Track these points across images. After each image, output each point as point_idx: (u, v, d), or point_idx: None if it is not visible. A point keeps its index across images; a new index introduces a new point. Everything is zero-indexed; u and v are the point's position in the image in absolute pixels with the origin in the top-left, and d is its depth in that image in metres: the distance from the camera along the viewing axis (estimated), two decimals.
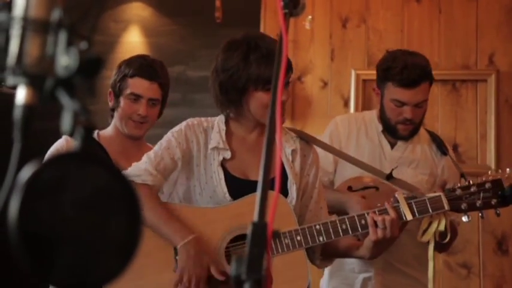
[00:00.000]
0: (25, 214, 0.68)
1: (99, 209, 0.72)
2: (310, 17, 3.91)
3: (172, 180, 2.11)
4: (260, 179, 0.99)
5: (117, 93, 2.51)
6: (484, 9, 3.97)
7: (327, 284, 2.69)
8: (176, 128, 2.14)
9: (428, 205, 2.16)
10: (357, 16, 4.10)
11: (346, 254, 2.23)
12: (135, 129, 2.51)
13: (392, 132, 2.58)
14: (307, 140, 2.22)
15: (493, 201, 2.20)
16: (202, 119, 2.17)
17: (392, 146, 2.61)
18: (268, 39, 2.10)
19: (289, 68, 2.08)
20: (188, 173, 2.11)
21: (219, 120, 2.16)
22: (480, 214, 2.25)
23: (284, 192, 2.09)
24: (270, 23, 4.10)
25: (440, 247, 2.44)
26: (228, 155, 2.10)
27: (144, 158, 2.10)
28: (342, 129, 2.66)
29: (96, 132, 2.53)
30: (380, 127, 2.62)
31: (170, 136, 2.12)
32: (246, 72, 2.02)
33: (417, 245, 2.38)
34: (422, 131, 2.66)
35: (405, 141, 2.61)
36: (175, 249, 2.01)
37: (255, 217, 0.97)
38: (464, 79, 3.94)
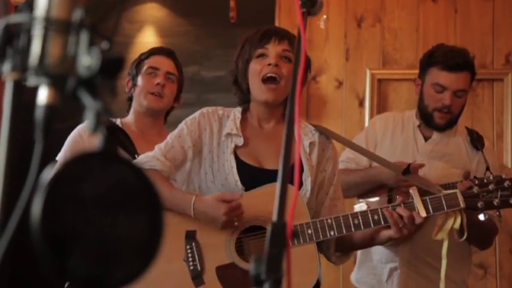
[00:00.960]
0: (48, 213, 0.68)
1: (120, 209, 0.73)
2: (325, 16, 3.89)
3: (186, 170, 2.11)
4: (279, 176, 0.98)
5: (135, 76, 2.62)
6: (500, 9, 3.94)
7: (355, 275, 2.68)
8: (190, 117, 2.16)
9: (444, 202, 2.11)
10: (372, 15, 4.08)
11: (362, 246, 2.23)
12: (155, 102, 2.59)
13: (428, 121, 2.58)
14: (326, 135, 2.21)
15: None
16: (219, 107, 2.18)
17: (426, 139, 2.61)
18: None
19: (308, 66, 2.13)
20: (201, 161, 2.11)
21: (236, 110, 2.17)
22: (498, 213, 2.22)
23: (298, 183, 2.07)
24: (284, 23, 4.09)
25: (477, 243, 2.42)
26: (240, 141, 2.09)
27: (155, 147, 2.12)
28: (378, 126, 2.68)
29: (118, 120, 2.65)
30: (417, 122, 2.63)
31: (183, 125, 2.14)
32: (242, 56, 2.12)
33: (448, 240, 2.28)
34: (461, 126, 2.66)
35: (440, 134, 2.59)
36: (186, 236, 2.02)
37: (274, 216, 0.96)
38: (480, 78, 3.89)
